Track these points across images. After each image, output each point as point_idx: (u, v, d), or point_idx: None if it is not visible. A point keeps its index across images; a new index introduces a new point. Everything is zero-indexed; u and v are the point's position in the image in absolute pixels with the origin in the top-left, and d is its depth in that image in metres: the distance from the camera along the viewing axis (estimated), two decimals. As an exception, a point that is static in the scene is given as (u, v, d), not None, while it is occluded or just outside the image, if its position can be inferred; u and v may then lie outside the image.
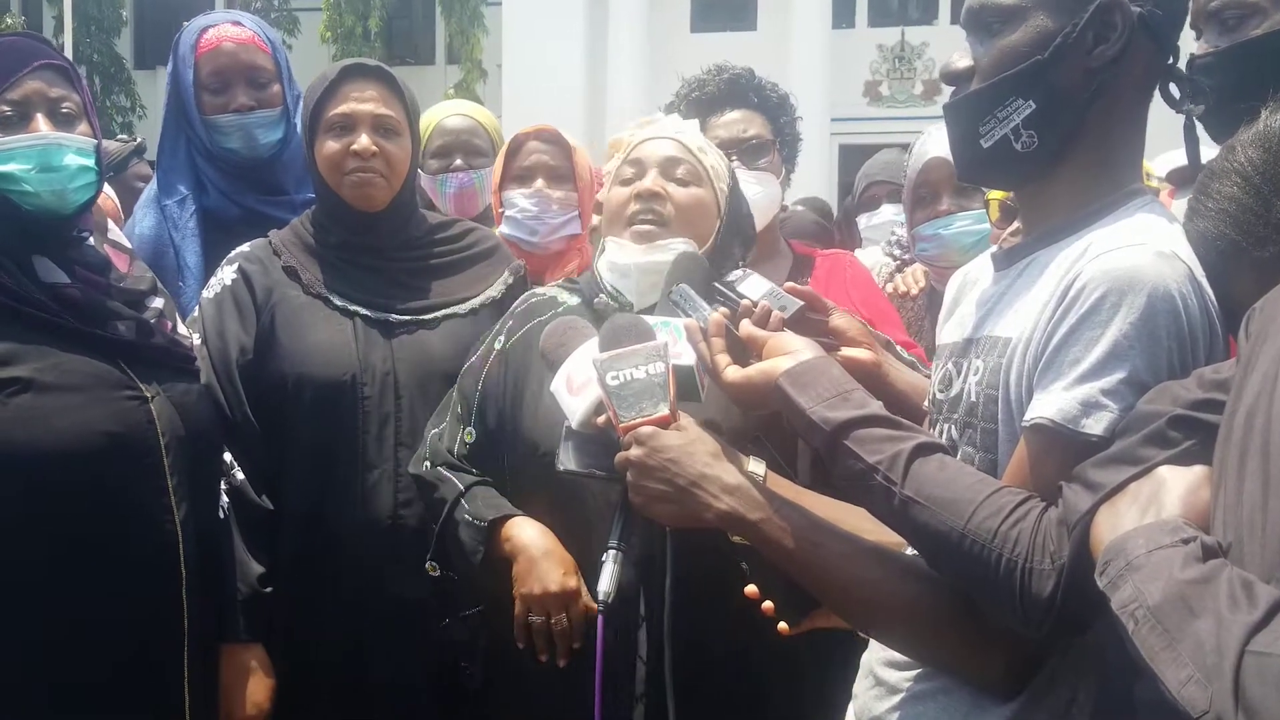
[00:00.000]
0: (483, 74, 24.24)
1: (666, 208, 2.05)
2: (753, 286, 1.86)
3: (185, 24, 2.92)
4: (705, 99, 2.79)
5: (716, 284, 1.85)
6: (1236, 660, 0.97)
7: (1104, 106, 1.52)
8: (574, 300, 2.16)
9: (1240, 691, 0.96)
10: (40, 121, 2.07)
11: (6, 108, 2.06)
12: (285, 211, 2.73)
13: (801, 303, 1.85)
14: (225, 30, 2.82)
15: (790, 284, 1.88)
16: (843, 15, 23.47)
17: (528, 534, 1.99)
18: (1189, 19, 1.75)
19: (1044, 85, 1.50)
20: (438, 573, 2.09)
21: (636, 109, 21.56)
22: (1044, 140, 1.51)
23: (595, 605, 1.66)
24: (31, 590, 2.00)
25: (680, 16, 23.94)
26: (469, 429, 2.13)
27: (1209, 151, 1.67)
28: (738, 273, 1.92)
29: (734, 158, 2.71)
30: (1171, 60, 1.56)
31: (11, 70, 2.07)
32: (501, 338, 2.16)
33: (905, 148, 3.48)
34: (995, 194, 2.66)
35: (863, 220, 4.09)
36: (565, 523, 1.98)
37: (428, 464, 2.14)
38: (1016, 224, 2.54)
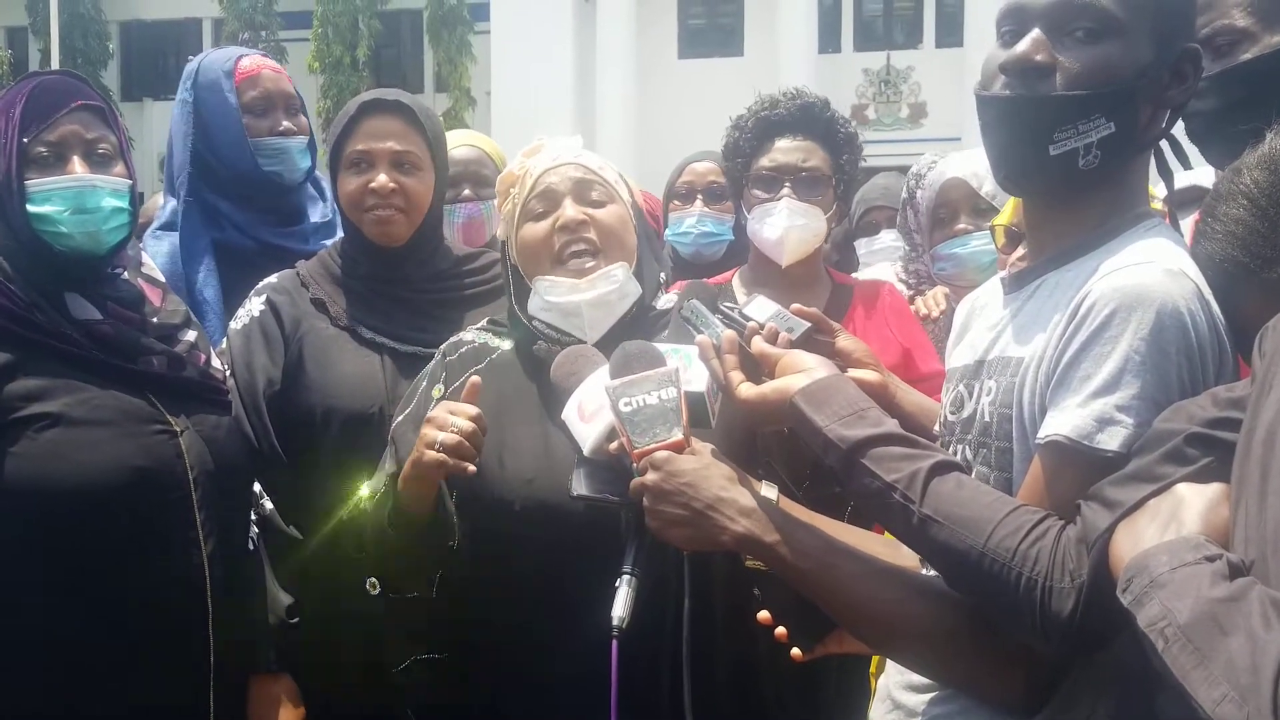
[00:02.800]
0: (471, 102, 24.36)
1: (593, 234, 1.98)
2: (759, 309, 1.85)
3: (201, 58, 2.97)
4: (774, 119, 2.77)
5: (722, 307, 1.85)
6: (1274, 679, 0.98)
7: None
8: (506, 344, 2.09)
9: (1278, 710, 0.97)
10: (76, 163, 2.08)
11: (43, 148, 2.07)
12: (298, 242, 2.78)
13: (809, 324, 1.85)
14: (259, 60, 2.91)
15: (797, 306, 1.88)
16: (829, 40, 23.64)
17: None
18: None
19: (1128, 112, 1.49)
20: (378, 590, 2.03)
21: (625, 134, 21.67)
22: (1103, 164, 1.50)
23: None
24: (56, 625, 2.00)
25: (667, 43, 24.10)
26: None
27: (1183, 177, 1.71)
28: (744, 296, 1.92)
29: (787, 184, 2.72)
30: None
31: (50, 111, 2.08)
32: (440, 386, 2.08)
33: (902, 171, 3.49)
34: (1000, 220, 2.68)
35: (862, 245, 4.08)
36: (544, 572, 1.92)
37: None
38: (1022, 249, 2.57)
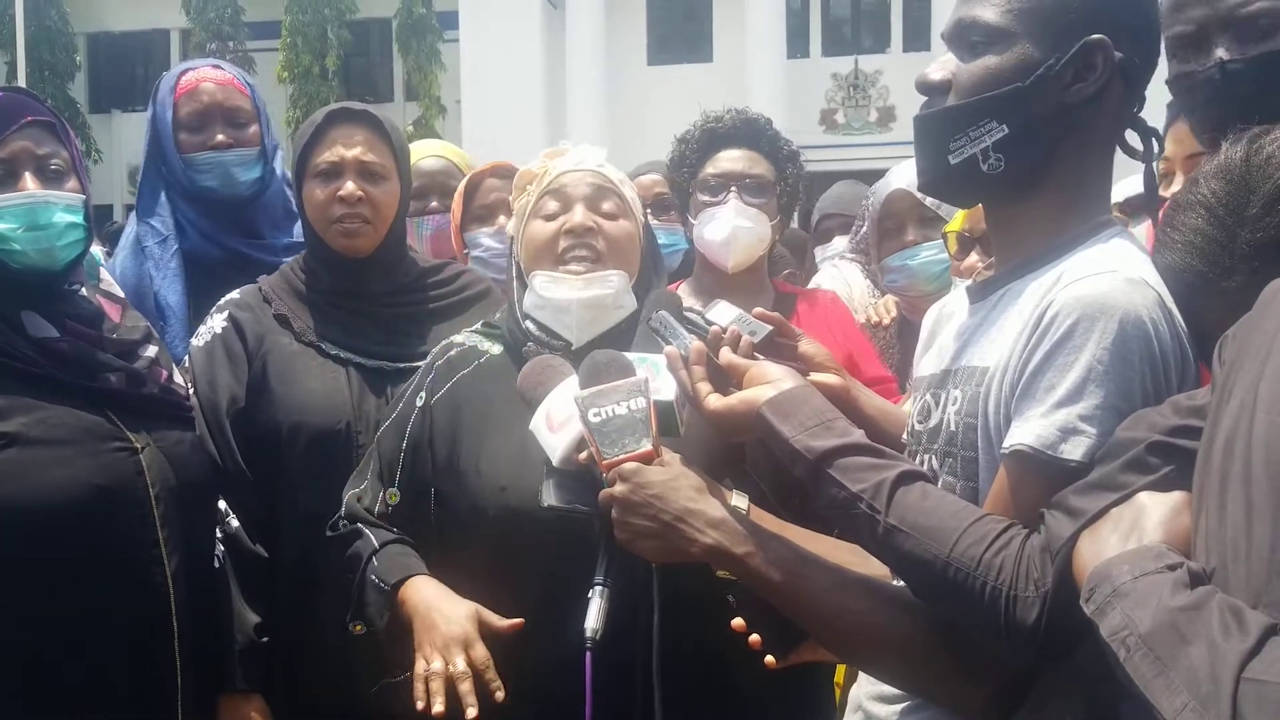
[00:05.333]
0: (441, 110, 24.27)
1: (599, 243, 1.99)
2: (721, 313, 1.86)
3: (165, 73, 2.97)
4: (720, 131, 2.85)
5: (686, 312, 1.86)
6: (1233, 688, 0.98)
7: (1076, 142, 1.54)
8: (496, 349, 2.09)
9: (1238, 718, 0.98)
10: (28, 180, 2.07)
11: None
12: (267, 254, 2.74)
13: (770, 328, 1.85)
14: (205, 72, 2.88)
15: (759, 309, 1.89)
16: (797, 45, 23.71)
17: (424, 592, 1.91)
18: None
19: (1020, 112, 1.52)
20: (362, 630, 2.00)
21: (596, 141, 21.54)
22: (1010, 166, 1.53)
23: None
24: (20, 646, 1.98)
25: (637, 49, 24.11)
26: (393, 490, 2.06)
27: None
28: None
29: (733, 188, 2.79)
30: (1137, 109, 1.59)
31: None
32: (423, 394, 2.08)
33: (856, 180, 3.55)
34: (952, 226, 2.70)
35: (818, 252, 4.30)
36: (516, 581, 1.92)
37: (344, 524, 2.07)
38: (974, 256, 2.59)
